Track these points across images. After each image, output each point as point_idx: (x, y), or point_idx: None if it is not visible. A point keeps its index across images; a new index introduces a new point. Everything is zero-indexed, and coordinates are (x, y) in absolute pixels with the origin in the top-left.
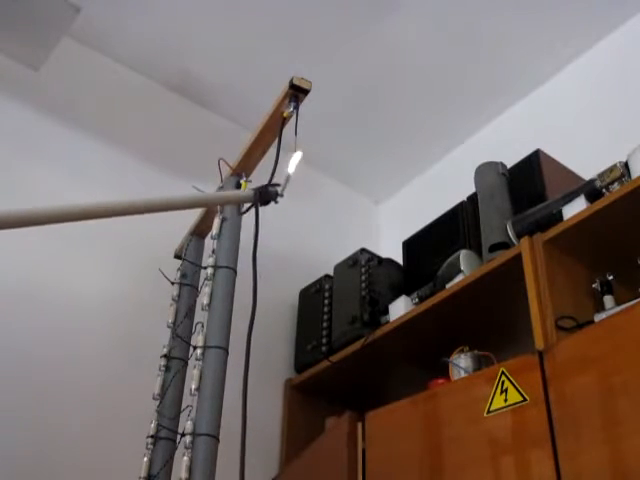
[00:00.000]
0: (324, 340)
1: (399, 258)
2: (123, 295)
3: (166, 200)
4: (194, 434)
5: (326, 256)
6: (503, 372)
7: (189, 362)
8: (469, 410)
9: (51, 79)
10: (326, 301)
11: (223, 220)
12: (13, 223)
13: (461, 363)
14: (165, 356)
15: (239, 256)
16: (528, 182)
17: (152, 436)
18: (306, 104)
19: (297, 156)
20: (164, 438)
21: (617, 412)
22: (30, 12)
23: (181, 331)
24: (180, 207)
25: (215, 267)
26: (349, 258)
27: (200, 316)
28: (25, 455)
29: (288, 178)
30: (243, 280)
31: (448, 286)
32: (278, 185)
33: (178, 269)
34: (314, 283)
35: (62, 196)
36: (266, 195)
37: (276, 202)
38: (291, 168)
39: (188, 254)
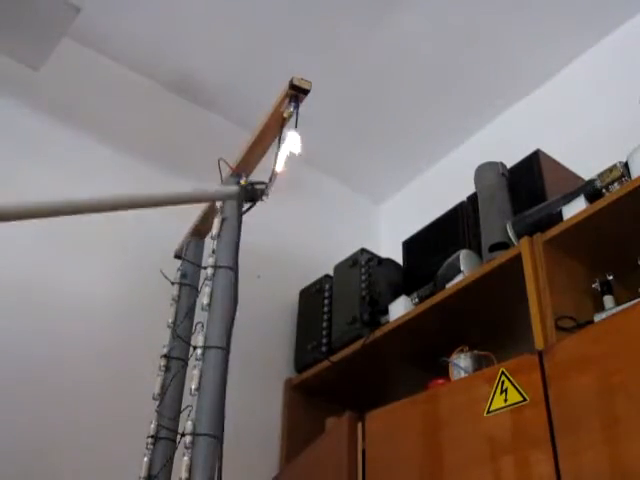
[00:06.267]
0: (324, 340)
1: (399, 258)
2: (123, 295)
3: (150, 196)
4: (194, 434)
5: (326, 256)
6: (503, 372)
7: (189, 362)
8: (469, 410)
9: (51, 79)
10: (326, 301)
11: (223, 220)
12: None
13: (461, 363)
14: (165, 356)
15: (239, 256)
16: (528, 182)
17: (152, 436)
18: (306, 104)
19: (286, 150)
20: (164, 438)
21: (617, 412)
22: (30, 12)
23: (181, 331)
24: (163, 203)
25: (215, 267)
26: (349, 258)
27: (200, 316)
28: (25, 455)
29: (275, 175)
30: (243, 280)
31: (448, 286)
32: (264, 183)
33: (178, 269)
34: (314, 283)
35: (61, 196)
36: (252, 192)
37: (262, 200)
38: (279, 166)
39: (188, 254)
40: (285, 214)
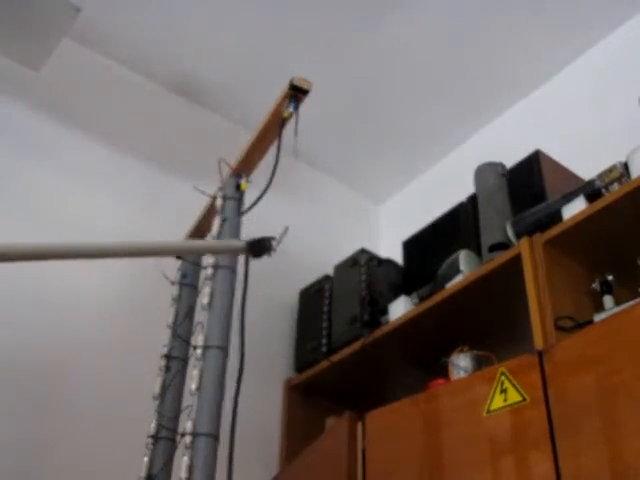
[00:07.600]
0: (324, 340)
1: (399, 258)
2: (123, 295)
3: (157, 245)
4: (194, 434)
5: (326, 256)
6: (503, 372)
7: (189, 362)
8: (469, 410)
9: (51, 79)
10: (326, 301)
11: (223, 220)
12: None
13: (461, 363)
14: (165, 356)
15: (239, 256)
16: (528, 182)
17: (152, 436)
18: (306, 104)
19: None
20: (164, 438)
21: (617, 412)
22: (30, 12)
23: (181, 331)
24: (172, 253)
25: (215, 267)
26: (349, 258)
27: (200, 316)
28: (25, 454)
29: (286, 231)
30: (243, 280)
31: (448, 286)
32: (273, 238)
33: (178, 269)
34: (314, 283)
35: (62, 196)
36: (259, 248)
37: (269, 255)
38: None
39: None
40: (285, 214)
